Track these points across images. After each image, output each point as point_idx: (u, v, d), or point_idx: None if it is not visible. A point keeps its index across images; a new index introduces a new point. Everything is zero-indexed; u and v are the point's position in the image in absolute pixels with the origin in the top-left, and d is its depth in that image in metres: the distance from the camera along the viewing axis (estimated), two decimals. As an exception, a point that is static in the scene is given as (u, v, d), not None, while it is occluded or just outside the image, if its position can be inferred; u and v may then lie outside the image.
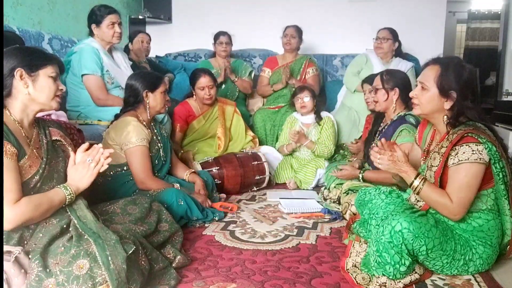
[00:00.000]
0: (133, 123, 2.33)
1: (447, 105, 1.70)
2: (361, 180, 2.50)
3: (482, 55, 7.00)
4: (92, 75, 2.87)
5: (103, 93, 2.89)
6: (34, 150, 1.56)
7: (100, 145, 1.65)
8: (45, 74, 1.55)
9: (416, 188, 1.69)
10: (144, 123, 2.40)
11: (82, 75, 2.87)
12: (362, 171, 2.52)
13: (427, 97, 1.72)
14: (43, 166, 1.56)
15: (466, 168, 1.60)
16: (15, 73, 1.50)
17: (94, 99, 2.89)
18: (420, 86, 1.75)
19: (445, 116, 1.71)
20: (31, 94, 1.53)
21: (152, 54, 4.58)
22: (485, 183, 1.65)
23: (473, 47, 7.21)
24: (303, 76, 4.00)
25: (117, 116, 2.46)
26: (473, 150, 1.59)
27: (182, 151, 3.14)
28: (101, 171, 1.63)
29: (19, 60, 1.51)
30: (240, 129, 3.46)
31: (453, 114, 1.69)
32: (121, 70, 3.06)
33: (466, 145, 1.61)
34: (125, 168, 2.36)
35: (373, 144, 1.84)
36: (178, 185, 2.44)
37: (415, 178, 1.69)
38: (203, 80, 3.17)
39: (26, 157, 1.51)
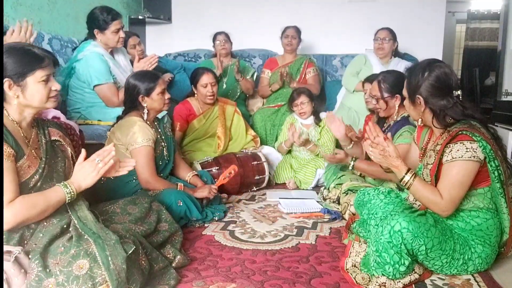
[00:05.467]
0: (138, 123, 2.33)
1: (421, 109, 1.74)
2: (351, 168, 2.50)
3: (481, 55, 7.01)
4: (104, 85, 2.85)
5: (117, 97, 2.88)
6: (33, 150, 1.55)
7: (113, 148, 1.62)
8: (34, 80, 1.50)
9: (407, 183, 1.70)
10: (148, 122, 2.40)
11: (94, 86, 2.85)
12: (353, 159, 2.51)
13: (406, 105, 1.82)
14: (42, 166, 1.56)
15: (460, 165, 1.61)
16: (3, 83, 1.46)
17: (108, 104, 2.88)
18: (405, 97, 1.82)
19: (420, 119, 1.77)
20: (22, 102, 1.51)
21: (151, 54, 4.58)
22: (481, 182, 1.66)
23: (473, 47, 7.22)
24: (303, 76, 4.02)
25: (119, 117, 2.45)
26: (467, 148, 1.60)
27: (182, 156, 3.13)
28: (115, 175, 1.63)
29: (6, 70, 1.46)
30: (241, 129, 3.46)
31: (434, 116, 1.72)
32: (124, 71, 3.05)
33: (460, 142, 1.61)
34: None
35: (366, 137, 1.85)
36: (182, 184, 2.44)
37: (406, 173, 1.71)
38: (206, 77, 3.18)
39: (25, 157, 1.51)
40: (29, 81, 1.49)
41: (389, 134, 1.86)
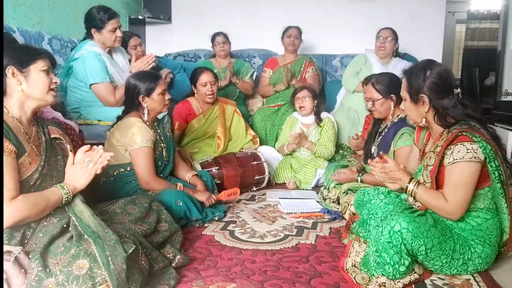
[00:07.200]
0: (137, 124, 2.33)
1: (425, 108, 1.73)
2: (359, 182, 2.50)
3: (481, 55, 7.01)
4: (100, 84, 2.86)
5: (113, 96, 2.88)
6: (34, 147, 1.56)
7: (101, 146, 1.64)
8: (37, 68, 1.55)
9: (411, 192, 1.72)
10: (148, 123, 2.40)
11: (91, 85, 2.86)
12: (360, 175, 2.51)
13: (407, 107, 1.81)
14: (42, 163, 1.56)
15: (462, 167, 1.61)
16: (6, 71, 1.50)
17: (105, 103, 2.89)
18: (403, 99, 1.82)
19: (424, 119, 1.77)
20: (25, 90, 1.54)
21: (149, 53, 4.57)
22: (481, 182, 1.66)
23: (472, 47, 7.22)
24: (303, 76, 4.03)
25: (119, 117, 2.45)
26: (467, 149, 1.60)
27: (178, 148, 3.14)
28: (98, 173, 1.63)
29: (9, 58, 1.51)
30: (240, 129, 3.46)
31: (436, 116, 1.72)
32: (122, 70, 3.06)
33: (461, 144, 1.62)
34: (128, 168, 2.36)
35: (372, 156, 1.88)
36: (181, 185, 2.44)
37: (409, 183, 1.72)
38: (205, 76, 3.19)
39: (26, 154, 1.52)
40: (32, 68, 1.55)
41: (376, 159, 1.88)
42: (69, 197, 1.57)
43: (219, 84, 3.59)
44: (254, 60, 4.60)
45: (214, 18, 4.75)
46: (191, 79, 3.31)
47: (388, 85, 2.43)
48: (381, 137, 2.49)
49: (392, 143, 2.35)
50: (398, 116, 2.44)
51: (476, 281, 1.66)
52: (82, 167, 1.60)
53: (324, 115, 3.43)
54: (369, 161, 1.85)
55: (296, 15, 4.51)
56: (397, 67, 3.57)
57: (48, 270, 1.36)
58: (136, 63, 2.92)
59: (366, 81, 2.63)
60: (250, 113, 4.02)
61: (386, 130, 2.47)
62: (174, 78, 3.97)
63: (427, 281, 1.66)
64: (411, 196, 1.73)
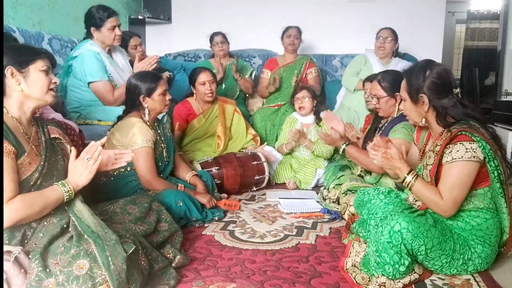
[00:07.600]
0: (138, 124, 2.33)
1: (424, 108, 1.73)
2: (341, 153, 2.52)
3: (481, 55, 7.02)
4: (99, 82, 2.87)
5: (111, 95, 2.90)
6: (33, 147, 1.56)
7: (98, 142, 1.63)
8: (36, 68, 1.55)
9: (409, 184, 1.71)
10: (148, 123, 2.40)
11: (89, 83, 2.87)
12: (345, 144, 2.51)
13: (406, 107, 1.80)
14: (42, 163, 1.56)
15: (460, 166, 1.61)
16: (5, 71, 1.50)
17: (103, 102, 2.90)
18: (403, 99, 1.82)
19: (423, 119, 1.77)
20: (24, 90, 1.53)
21: (151, 54, 4.58)
22: (481, 182, 1.66)
23: (472, 47, 7.23)
24: (303, 77, 4.03)
25: (119, 117, 2.45)
26: (467, 149, 1.60)
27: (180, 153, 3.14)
28: (113, 168, 1.66)
29: (8, 58, 1.51)
30: (241, 128, 3.46)
31: (436, 115, 1.72)
32: (122, 70, 3.07)
33: (460, 143, 1.62)
34: (128, 168, 2.36)
35: (370, 141, 1.87)
36: (182, 185, 2.45)
37: (408, 174, 1.71)
38: (204, 75, 3.20)
39: (25, 154, 1.52)
40: (31, 68, 1.54)
41: (378, 137, 1.86)
42: (70, 194, 1.56)
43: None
44: (254, 60, 4.60)
45: (214, 18, 4.75)
46: (189, 79, 3.31)
47: (393, 82, 2.44)
48: (380, 132, 2.50)
49: (388, 135, 2.35)
50: (400, 112, 2.44)
51: (476, 281, 1.66)
52: (82, 164, 1.59)
53: (323, 114, 3.42)
54: (368, 146, 1.83)
55: (296, 15, 4.51)
56: (397, 67, 3.57)
57: (48, 270, 1.36)
58: (138, 64, 2.94)
59: (371, 78, 2.63)
60: (250, 113, 4.02)
61: (386, 125, 2.48)
62: (174, 78, 3.98)
63: (427, 281, 1.66)
64: (408, 187, 1.73)
